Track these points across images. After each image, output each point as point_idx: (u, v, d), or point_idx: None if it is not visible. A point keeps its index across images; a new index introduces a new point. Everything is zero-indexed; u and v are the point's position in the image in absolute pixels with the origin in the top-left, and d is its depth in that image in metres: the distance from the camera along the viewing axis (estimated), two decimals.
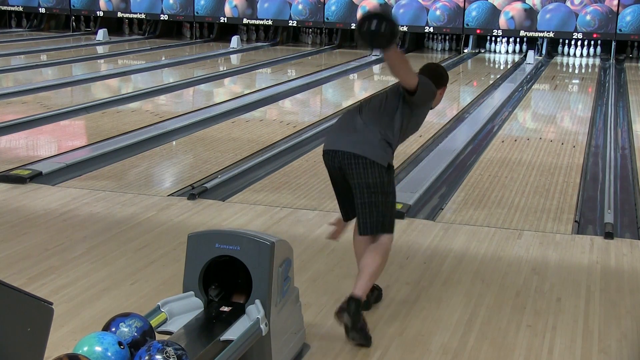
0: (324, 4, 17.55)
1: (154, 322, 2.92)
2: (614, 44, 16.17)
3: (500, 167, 7.05)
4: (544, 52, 16.75)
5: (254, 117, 9.44)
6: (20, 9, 19.60)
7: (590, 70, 15.57)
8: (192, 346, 2.82)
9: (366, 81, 13.55)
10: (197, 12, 18.28)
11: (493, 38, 17.30)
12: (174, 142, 7.98)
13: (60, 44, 16.62)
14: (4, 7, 19.66)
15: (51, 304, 2.33)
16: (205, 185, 6.12)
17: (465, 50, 17.16)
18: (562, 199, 6.09)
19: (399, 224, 5.32)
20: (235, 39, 17.02)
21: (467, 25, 16.87)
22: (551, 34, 16.47)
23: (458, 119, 9.40)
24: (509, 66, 15.40)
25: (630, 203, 6.18)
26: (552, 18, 16.40)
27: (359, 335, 3.52)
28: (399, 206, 5.54)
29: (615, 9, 16.02)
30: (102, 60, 15.29)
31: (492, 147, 7.86)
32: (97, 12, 19.06)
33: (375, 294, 4.01)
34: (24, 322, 2.24)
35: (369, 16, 3.38)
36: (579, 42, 16.68)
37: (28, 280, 4.25)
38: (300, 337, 3.46)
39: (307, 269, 4.51)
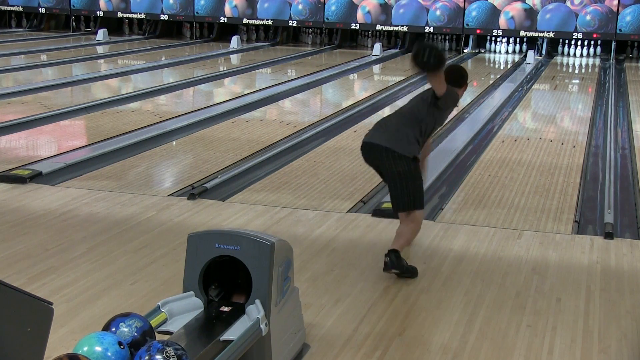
0: (324, 4, 17.55)
1: (154, 322, 2.92)
2: (614, 44, 16.17)
3: (500, 167, 7.05)
4: (544, 52, 16.75)
5: (254, 117, 9.44)
6: (20, 9, 19.60)
7: (590, 70, 15.57)
8: (192, 346, 2.82)
9: (366, 81, 13.55)
10: (197, 12, 18.28)
11: (493, 38, 17.31)
12: (174, 142, 7.98)
13: (60, 44, 16.62)
14: (4, 7, 19.66)
15: (51, 304, 2.33)
16: (205, 185, 6.13)
17: (465, 50, 17.16)
18: (562, 199, 6.09)
19: (398, 224, 5.34)
20: (235, 39, 17.03)
21: (467, 25, 16.87)
22: (551, 34, 16.47)
23: (458, 119, 9.39)
24: (509, 66, 15.40)
25: (630, 203, 6.18)
26: (552, 18, 16.40)
27: (408, 274, 4.39)
28: None
29: (615, 9, 16.02)
30: (102, 60, 15.29)
31: (492, 147, 7.86)
32: (97, 12, 19.06)
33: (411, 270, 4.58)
34: (24, 322, 2.24)
35: (422, 48, 4.20)
36: (579, 42, 16.68)
37: (28, 280, 4.25)
38: (300, 337, 3.47)
39: (307, 269, 4.51)
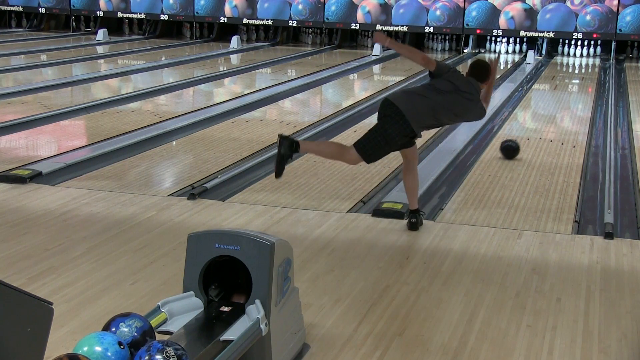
0: (324, 4, 17.55)
1: (154, 322, 2.92)
2: (614, 44, 16.17)
3: (500, 167, 7.05)
4: (544, 52, 16.75)
5: (254, 117, 9.44)
6: (20, 9, 19.60)
7: (590, 70, 15.57)
8: (192, 346, 2.82)
9: (366, 81, 13.55)
10: (197, 12, 18.28)
11: (493, 38, 17.31)
12: (174, 142, 7.98)
13: (60, 44, 16.62)
14: (4, 7, 19.66)
15: (51, 304, 2.33)
16: (205, 185, 6.12)
17: (465, 50, 17.15)
18: (562, 199, 6.09)
19: (398, 224, 5.34)
20: (235, 39, 17.02)
21: (467, 25, 16.87)
22: (551, 34, 16.47)
23: None
24: (509, 66, 15.40)
25: (630, 203, 6.18)
26: (552, 18, 16.40)
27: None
28: (399, 206, 5.55)
29: (615, 9, 16.02)
30: (102, 60, 15.29)
31: (492, 147, 7.85)
32: (97, 12, 19.06)
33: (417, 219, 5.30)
34: (24, 322, 2.24)
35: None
36: (579, 42, 16.68)
37: (28, 280, 4.25)
38: (300, 337, 3.46)
39: (307, 269, 4.51)
